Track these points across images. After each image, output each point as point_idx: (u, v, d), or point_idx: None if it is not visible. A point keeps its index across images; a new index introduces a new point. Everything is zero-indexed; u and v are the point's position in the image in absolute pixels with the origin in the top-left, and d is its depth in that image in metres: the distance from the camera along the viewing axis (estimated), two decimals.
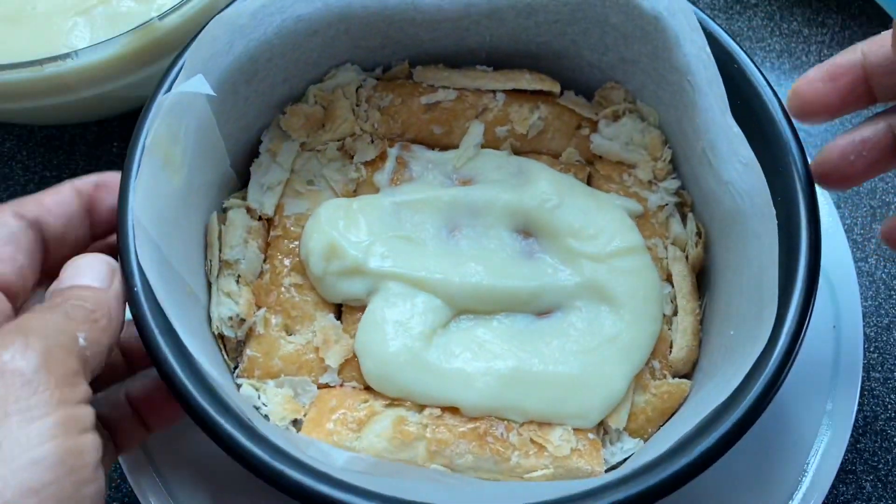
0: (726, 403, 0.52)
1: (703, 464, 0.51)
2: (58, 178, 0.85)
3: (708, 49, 0.61)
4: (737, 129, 0.59)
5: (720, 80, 0.61)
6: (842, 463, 0.67)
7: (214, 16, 0.58)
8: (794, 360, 0.54)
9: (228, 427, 0.50)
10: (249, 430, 0.51)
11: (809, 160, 0.61)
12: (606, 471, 0.61)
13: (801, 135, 0.62)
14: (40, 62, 0.67)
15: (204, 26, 0.62)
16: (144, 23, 0.67)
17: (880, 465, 0.74)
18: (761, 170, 0.58)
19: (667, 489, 0.50)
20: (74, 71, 0.68)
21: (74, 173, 0.86)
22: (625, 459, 0.62)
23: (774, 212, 0.56)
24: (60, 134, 0.87)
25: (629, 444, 0.63)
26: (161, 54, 0.72)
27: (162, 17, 0.67)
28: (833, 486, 0.70)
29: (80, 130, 0.87)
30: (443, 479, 0.56)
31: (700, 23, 0.63)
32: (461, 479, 0.55)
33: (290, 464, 0.50)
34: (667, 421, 0.64)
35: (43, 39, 0.72)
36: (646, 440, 0.63)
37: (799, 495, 0.65)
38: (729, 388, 0.53)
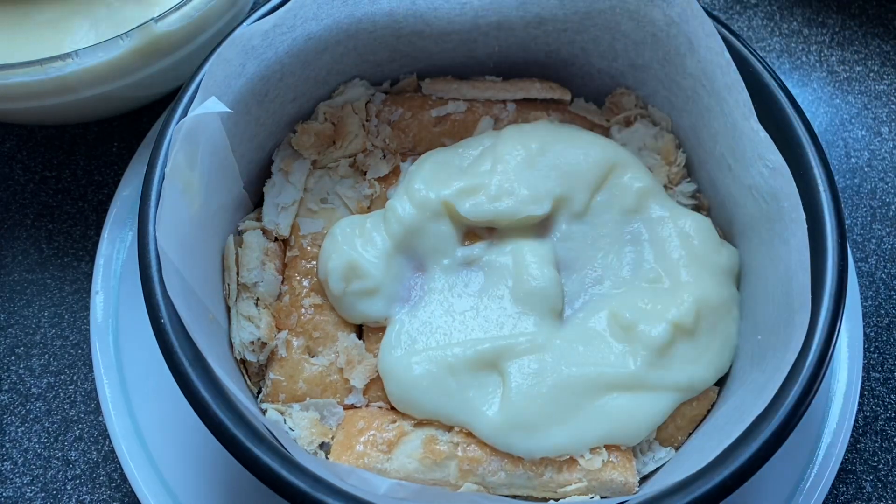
0: (766, 411, 0.52)
1: (756, 465, 0.50)
2: (58, 178, 0.84)
3: (727, 55, 0.61)
4: (763, 134, 0.59)
5: (742, 84, 0.60)
6: (842, 463, 0.67)
7: (212, 20, 0.55)
8: (828, 366, 0.53)
9: (267, 459, 0.50)
10: (288, 461, 0.50)
11: None
12: (639, 481, 0.60)
13: None
14: (41, 63, 0.66)
15: (215, 48, 0.61)
16: (142, 24, 0.67)
17: (880, 465, 0.74)
18: (791, 174, 0.58)
19: (722, 495, 0.50)
20: (75, 72, 0.68)
21: (74, 173, 0.85)
22: (657, 469, 0.62)
23: (804, 216, 0.56)
24: (60, 134, 0.86)
25: (661, 454, 0.62)
26: (160, 56, 0.72)
27: (159, 19, 0.67)
28: (833, 486, 0.70)
29: (81, 130, 0.86)
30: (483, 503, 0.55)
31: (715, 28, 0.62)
32: (502, 501, 0.54)
33: (332, 493, 0.49)
34: (696, 427, 0.63)
35: (46, 40, 0.72)
36: (677, 448, 0.63)
37: (800, 495, 0.65)
38: (766, 395, 0.53)
